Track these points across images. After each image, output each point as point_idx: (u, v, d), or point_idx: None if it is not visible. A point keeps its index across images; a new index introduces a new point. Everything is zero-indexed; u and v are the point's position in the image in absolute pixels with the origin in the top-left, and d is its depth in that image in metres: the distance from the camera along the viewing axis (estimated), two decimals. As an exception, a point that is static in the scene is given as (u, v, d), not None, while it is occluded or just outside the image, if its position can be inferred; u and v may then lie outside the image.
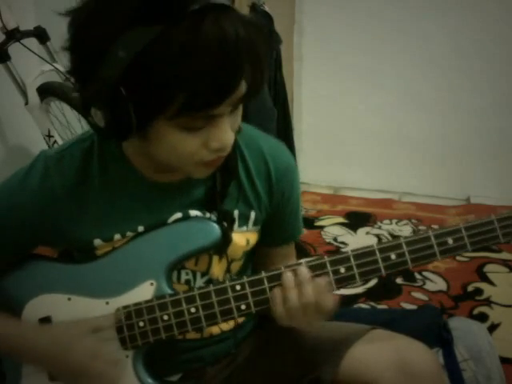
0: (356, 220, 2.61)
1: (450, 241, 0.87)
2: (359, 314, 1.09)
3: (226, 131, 0.79)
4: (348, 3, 2.69)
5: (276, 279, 0.87)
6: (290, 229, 1.06)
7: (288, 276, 0.86)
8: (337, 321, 1.03)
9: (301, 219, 1.08)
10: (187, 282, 0.97)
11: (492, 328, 1.82)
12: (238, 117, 0.83)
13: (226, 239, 0.93)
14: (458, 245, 0.87)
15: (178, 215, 0.94)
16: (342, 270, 0.87)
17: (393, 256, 0.87)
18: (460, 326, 1.21)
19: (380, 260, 0.87)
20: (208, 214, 0.95)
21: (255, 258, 1.06)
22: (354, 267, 0.87)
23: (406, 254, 0.87)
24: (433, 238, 0.87)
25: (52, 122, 2.26)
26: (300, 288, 0.85)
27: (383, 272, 0.87)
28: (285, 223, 1.04)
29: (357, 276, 0.87)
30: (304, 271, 0.86)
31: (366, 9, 2.67)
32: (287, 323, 0.88)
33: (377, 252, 0.87)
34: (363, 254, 0.87)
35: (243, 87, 0.76)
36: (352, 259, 0.87)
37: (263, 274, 0.88)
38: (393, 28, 2.65)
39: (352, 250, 0.88)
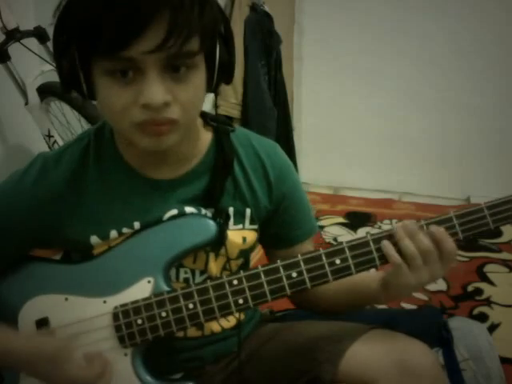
0: (356, 220, 2.62)
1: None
2: (359, 314, 1.09)
3: (153, 86, 0.78)
4: (348, 3, 2.69)
5: (272, 273, 0.88)
6: (302, 226, 1.04)
7: (398, 229, 0.86)
8: (337, 320, 1.03)
9: (312, 216, 1.07)
10: (186, 280, 0.97)
11: (492, 328, 1.82)
12: (185, 84, 0.81)
13: (221, 236, 0.93)
14: (449, 233, 0.87)
15: (174, 212, 0.94)
16: (338, 262, 0.88)
17: (384, 243, 0.87)
18: (460, 325, 1.21)
19: (374, 250, 0.87)
20: (203, 211, 0.95)
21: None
22: (349, 258, 0.87)
23: None
24: (425, 227, 0.87)
25: (52, 122, 2.26)
26: (413, 237, 0.85)
27: (377, 262, 0.88)
28: (296, 221, 1.03)
29: (352, 267, 0.88)
30: (411, 223, 0.86)
31: (365, 9, 2.67)
32: (414, 280, 0.85)
33: (371, 242, 0.88)
34: (357, 245, 0.88)
35: (159, 33, 0.75)
36: (347, 250, 0.88)
37: (260, 269, 0.89)
38: (393, 28, 2.66)
39: (346, 242, 0.88)
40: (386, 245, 0.87)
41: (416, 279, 0.86)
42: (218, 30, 0.84)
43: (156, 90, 0.78)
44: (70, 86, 0.85)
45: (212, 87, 0.87)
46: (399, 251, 0.86)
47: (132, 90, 0.79)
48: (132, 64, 0.77)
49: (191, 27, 0.77)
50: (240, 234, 0.98)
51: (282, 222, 1.02)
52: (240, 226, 0.98)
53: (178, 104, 0.81)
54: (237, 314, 1.00)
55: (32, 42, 2.09)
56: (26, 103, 2.14)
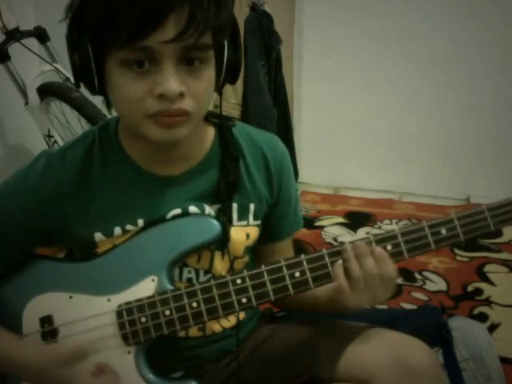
0: (356, 220, 2.62)
1: (444, 231, 0.88)
2: (359, 314, 1.09)
3: (169, 77, 0.79)
4: (348, 3, 2.69)
5: (275, 272, 0.89)
6: (291, 221, 1.06)
7: (347, 249, 0.88)
8: (336, 320, 1.03)
9: (300, 212, 1.09)
10: (189, 280, 0.98)
11: (492, 328, 1.82)
12: (199, 77, 0.82)
13: (225, 235, 0.93)
14: (451, 234, 0.88)
15: (177, 211, 0.94)
16: (340, 262, 0.88)
17: (389, 247, 0.88)
18: (460, 325, 1.21)
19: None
20: (207, 209, 0.95)
21: (255, 256, 1.06)
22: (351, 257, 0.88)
23: (402, 244, 0.88)
24: (427, 229, 0.88)
25: (52, 122, 2.26)
26: (360, 260, 0.87)
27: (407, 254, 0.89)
28: (286, 215, 1.05)
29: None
30: (362, 245, 0.88)
31: (365, 9, 2.67)
32: (354, 301, 0.88)
33: (373, 243, 0.88)
34: (360, 245, 0.88)
35: (175, 27, 0.77)
36: (349, 250, 0.88)
37: (263, 268, 0.89)
38: (393, 28, 2.66)
39: (349, 242, 0.89)
40: (337, 266, 0.88)
41: (355, 301, 0.88)
42: (229, 28, 0.86)
43: (172, 80, 0.79)
44: (81, 80, 0.86)
45: (218, 86, 0.88)
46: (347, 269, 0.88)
47: (147, 81, 0.80)
48: (149, 54, 0.79)
49: (208, 21, 0.79)
50: (244, 231, 0.99)
51: (273, 216, 1.04)
52: (245, 222, 0.99)
53: (191, 96, 0.82)
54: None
55: (32, 42, 2.09)
56: (26, 103, 2.14)
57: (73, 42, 0.83)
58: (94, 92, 0.86)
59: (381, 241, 0.89)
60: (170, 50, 0.79)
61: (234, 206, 0.97)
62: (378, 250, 0.87)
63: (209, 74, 0.84)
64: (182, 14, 0.77)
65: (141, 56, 0.79)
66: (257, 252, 1.06)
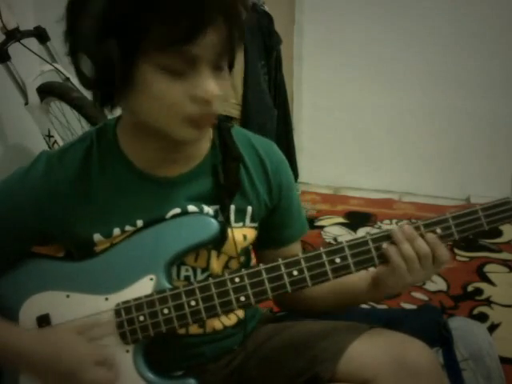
0: (356, 220, 2.62)
1: (439, 230, 0.90)
2: (359, 314, 1.09)
3: (209, 80, 0.81)
4: (348, 4, 2.69)
5: (273, 271, 0.89)
6: (295, 226, 1.07)
7: (396, 232, 0.89)
8: (336, 320, 1.03)
9: (304, 216, 1.10)
10: (186, 278, 0.98)
11: (492, 328, 1.82)
12: (225, 82, 0.84)
13: (223, 234, 0.94)
14: (445, 233, 0.90)
15: (177, 211, 0.94)
16: (338, 260, 0.89)
17: (384, 245, 0.90)
18: (460, 325, 1.21)
19: (373, 249, 0.90)
20: (206, 209, 0.95)
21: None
22: (349, 257, 0.89)
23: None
24: (422, 228, 0.90)
25: (52, 122, 2.26)
26: (412, 242, 0.88)
27: (376, 261, 0.90)
28: (288, 221, 1.05)
29: (351, 265, 0.90)
30: (408, 227, 0.89)
31: (365, 9, 2.67)
32: (410, 280, 0.89)
33: (369, 242, 0.90)
34: (357, 244, 0.90)
35: (216, 34, 0.79)
36: (346, 249, 0.89)
37: (261, 266, 0.90)
38: (393, 29, 2.66)
39: (346, 241, 0.90)
40: (389, 247, 0.89)
41: (412, 279, 0.90)
42: None
43: (213, 83, 0.81)
44: (99, 87, 0.85)
45: None
46: (399, 253, 0.89)
47: (186, 85, 0.81)
48: (189, 58, 0.79)
49: (240, 26, 0.82)
50: (240, 232, 0.99)
51: (277, 222, 1.04)
52: (240, 223, 0.99)
53: (219, 99, 0.84)
54: (238, 312, 1.01)
55: (32, 42, 2.10)
56: (26, 103, 2.14)
57: (94, 47, 0.80)
58: (104, 102, 0.86)
59: (377, 240, 0.90)
60: (209, 55, 0.80)
61: (232, 207, 0.97)
62: (430, 235, 0.89)
63: (228, 77, 0.86)
64: (221, 21, 0.79)
65: (181, 60, 0.80)
66: (266, 258, 1.06)
